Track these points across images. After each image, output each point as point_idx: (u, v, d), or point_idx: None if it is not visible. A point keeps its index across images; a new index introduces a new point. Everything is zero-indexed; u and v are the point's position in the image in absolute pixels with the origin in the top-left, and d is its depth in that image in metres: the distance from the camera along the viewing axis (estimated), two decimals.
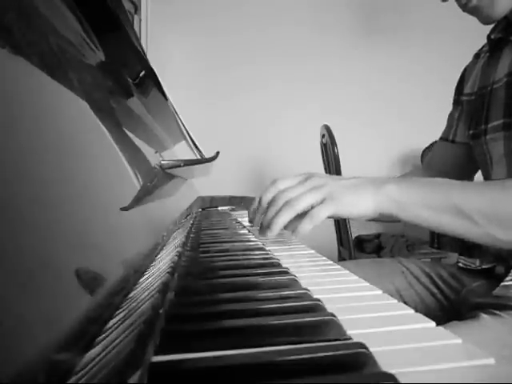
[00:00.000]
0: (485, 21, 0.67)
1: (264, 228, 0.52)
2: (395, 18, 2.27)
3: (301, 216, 0.50)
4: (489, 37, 0.75)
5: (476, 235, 0.50)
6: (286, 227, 0.51)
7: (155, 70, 0.58)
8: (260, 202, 0.55)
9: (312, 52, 2.28)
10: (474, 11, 0.66)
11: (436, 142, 0.92)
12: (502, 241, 0.50)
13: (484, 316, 0.55)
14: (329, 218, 0.50)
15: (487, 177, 0.77)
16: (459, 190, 0.50)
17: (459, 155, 0.85)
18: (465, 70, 0.85)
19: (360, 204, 0.49)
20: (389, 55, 2.29)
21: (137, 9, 2.02)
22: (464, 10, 0.68)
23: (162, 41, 2.15)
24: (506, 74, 0.69)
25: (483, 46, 0.81)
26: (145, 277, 0.25)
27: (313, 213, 0.48)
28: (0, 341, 0.10)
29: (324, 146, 1.63)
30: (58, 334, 0.12)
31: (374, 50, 2.29)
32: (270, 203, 0.53)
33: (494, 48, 0.75)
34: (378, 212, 0.50)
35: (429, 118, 0.92)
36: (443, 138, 0.88)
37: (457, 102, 0.86)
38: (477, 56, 0.82)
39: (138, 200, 0.32)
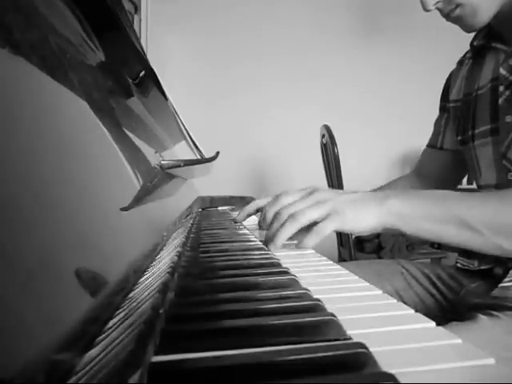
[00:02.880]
0: (468, 29, 0.68)
1: (268, 242, 0.52)
2: (395, 17, 2.27)
3: (303, 230, 0.50)
4: (472, 44, 0.77)
5: (481, 246, 0.51)
6: (290, 240, 0.52)
7: (155, 70, 0.58)
8: (264, 217, 0.55)
9: (312, 52, 2.28)
10: (456, 21, 0.67)
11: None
12: (506, 250, 0.50)
13: (482, 317, 0.56)
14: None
15: (474, 181, 0.78)
16: (461, 202, 0.51)
17: (447, 162, 0.87)
18: (449, 77, 0.87)
19: (363, 219, 0.50)
20: (389, 55, 2.29)
21: (137, 9, 2.02)
22: (447, 20, 0.69)
23: (162, 41, 2.15)
24: (490, 79, 0.71)
25: (466, 53, 0.82)
26: (145, 277, 0.25)
27: (318, 228, 0.49)
28: (0, 341, 0.10)
29: (324, 146, 1.63)
30: (58, 334, 0.12)
31: (375, 50, 2.29)
32: (274, 218, 0.53)
33: (477, 55, 0.77)
34: (382, 226, 0.51)
35: (429, 118, 0.92)
36: (431, 145, 0.90)
37: (443, 109, 0.87)
38: (460, 63, 0.84)
39: (138, 200, 0.32)
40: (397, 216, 0.50)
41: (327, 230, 0.49)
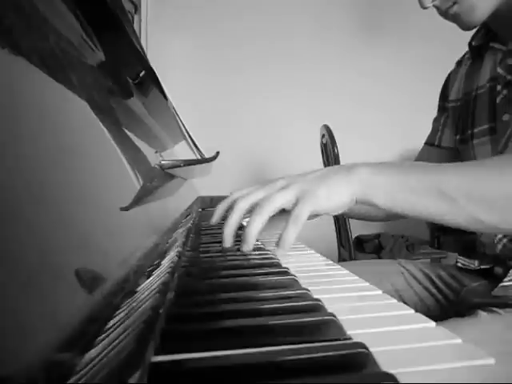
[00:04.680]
0: (465, 27, 0.67)
1: (225, 241, 0.47)
2: (394, 23, 2.28)
3: (267, 227, 0.45)
4: (470, 44, 0.77)
5: (457, 218, 0.46)
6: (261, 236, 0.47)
7: (155, 69, 0.58)
8: (213, 213, 0.51)
9: (313, 55, 2.28)
10: (453, 18, 0.67)
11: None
12: (483, 223, 0.45)
13: (482, 313, 0.56)
14: (309, 218, 0.45)
15: None
16: (439, 170, 0.46)
17: (444, 159, 0.87)
18: (448, 76, 0.87)
19: (336, 193, 0.45)
20: (388, 58, 2.30)
21: (137, 9, 2.02)
22: (444, 18, 0.68)
23: (162, 41, 2.15)
24: (489, 79, 0.71)
25: (465, 53, 0.82)
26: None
27: (294, 215, 0.43)
28: (0, 341, 0.10)
29: (324, 146, 1.63)
30: (58, 334, 0.12)
31: (374, 52, 2.30)
32: (228, 213, 0.47)
33: (475, 55, 0.77)
34: (354, 199, 0.46)
35: (428, 120, 0.93)
36: (428, 143, 0.90)
37: (442, 109, 0.88)
38: (459, 63, 0.84)
39: (138, 200, 0.32)
40: (367, 186, 0.45)
41: (304, 213, 0.42)
